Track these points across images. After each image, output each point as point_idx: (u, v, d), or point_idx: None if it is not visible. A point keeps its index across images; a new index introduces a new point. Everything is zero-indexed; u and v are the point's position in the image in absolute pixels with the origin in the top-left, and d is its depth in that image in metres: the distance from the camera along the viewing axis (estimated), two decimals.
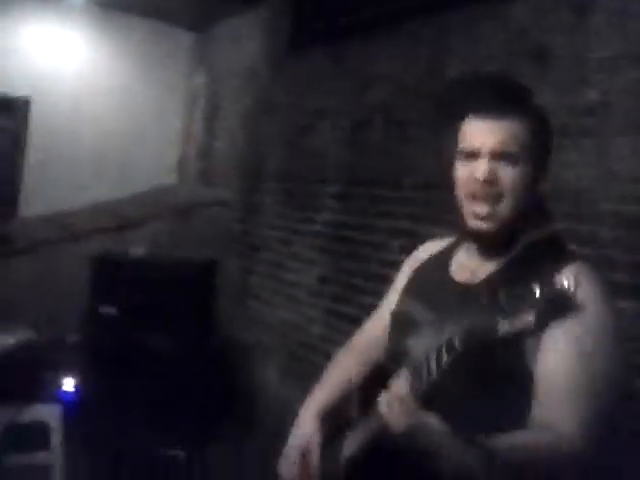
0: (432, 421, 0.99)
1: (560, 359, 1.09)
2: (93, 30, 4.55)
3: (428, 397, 1.06)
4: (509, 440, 1.05)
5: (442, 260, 1.35)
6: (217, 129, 4.60)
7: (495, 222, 1.20)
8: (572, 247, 1.31)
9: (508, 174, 1.18)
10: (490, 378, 1.10)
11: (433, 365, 1.09)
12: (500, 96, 1.22)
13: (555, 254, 1.20)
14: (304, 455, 1.32)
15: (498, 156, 1.18)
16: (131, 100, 4.69)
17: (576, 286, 1.01)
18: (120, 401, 2.66)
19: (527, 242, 1.22)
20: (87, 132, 4.53)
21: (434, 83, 2.66)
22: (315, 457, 1.31)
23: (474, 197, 1.20)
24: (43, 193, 4.38)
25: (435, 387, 1.09)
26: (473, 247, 1.27)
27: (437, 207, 2.47)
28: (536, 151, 1.21)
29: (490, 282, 1.20)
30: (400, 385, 1.08)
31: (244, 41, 4.29)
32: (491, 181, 1.18)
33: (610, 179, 1.90)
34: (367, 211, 2.96)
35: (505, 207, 1.19)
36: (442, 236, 1.44)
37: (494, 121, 1.19)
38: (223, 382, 3.01)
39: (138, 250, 3.07)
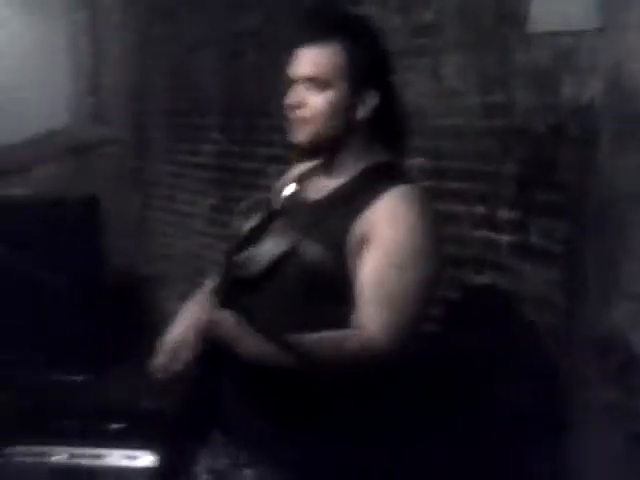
0: (226, 316, 1.16)
1: (371, 270, 1.23)
2: None
3: (237, 297, 1.26)
4: (315, 337, 1.20)
5: (300, 181, 1.46)
6: (103, 66, 4.57)
7: (308, 143, 1.32)
8: (407, 172, 1.43)
9: (316, 99, 1.29)
10: (307, 286, 1.25)
11: (255, 267, 1.29)
12: (313, 26, 1.34)
13: (387, 178, 1.31)
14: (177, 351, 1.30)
15: (308, 82, 1.29)
16: (12, 39, 4.57)
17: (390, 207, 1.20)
18: (18, 335, 2.80)
19: (363, 167, 1.34)
20: None
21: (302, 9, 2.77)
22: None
23: (290, 120, 1.33)
24: None
25: (250, 287, 1.28)
26: (321, 169, 1.39)
27: None
28: (352, 76, 1.29)
29: (324, 200, 1.35)
30: (208, 286, 1.25)
31: None
32: (297, 105, 1.30)
33: (443, 95, 2.12)
34: (246, 140, 3.11)
35: (313, 129, 1.30)
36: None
37: (307, 50, 1.30)
38: (121, 312, 3.18)
39: (19, 191, 3.15)
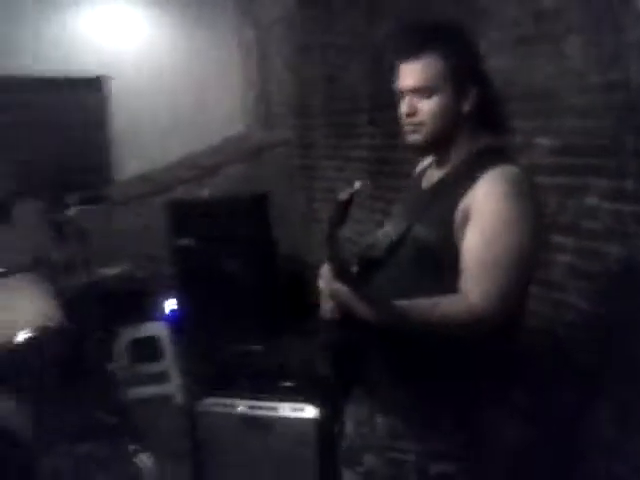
0: (340, 287, 1.41)
1: (471, 243, 1.40)
2: (151, 5, 5.12)
3: (368, 272, 1.51)
4: (424, 301, 1.39)
5: (422, 172, 1.68)
6: (269, 76, 5.09)
7: (424, 143, 1.52)
8: (509, 154, 1.55)
9: (426, 105, 1.48)
10: (421, 261, 1.46)
11: (379, 247, 1.55)
12: (411, 41, 1.53)
13: (488, 161, 1.45)
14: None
15: (415, 92, 1.49)
16: (193, 62, 5.23)
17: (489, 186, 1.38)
18: (209, 314, 3.35)
19: (468, 153, 1.51)
20: (161, 98, 5.13)
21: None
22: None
23: (405, 127, 1.54)
24: (132, 156, 5.06)
25: (373, 264, 1.54)
26: (434, 162, 1.60)
27: None
28: (453, 79, 1.46)
29: (433, 187, 1.56)
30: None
31: None
32: (411, 114, 1.51)
33: (569, 75, 2.23)
34: (394, 132, 3.37)
35: (428, 131, 1.49)
36: None
37: (408, 63, 1.49)
38: (290, 292, 3.62)
39: (204, 192, 3.71)
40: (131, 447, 2.93)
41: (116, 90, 5.08)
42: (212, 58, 5.28)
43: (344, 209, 1.39)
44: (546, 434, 2.21)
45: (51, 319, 2.76)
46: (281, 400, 2.53)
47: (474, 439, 1.49)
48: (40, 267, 3.10)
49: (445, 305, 1.40)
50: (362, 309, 1.40)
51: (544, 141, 2.32)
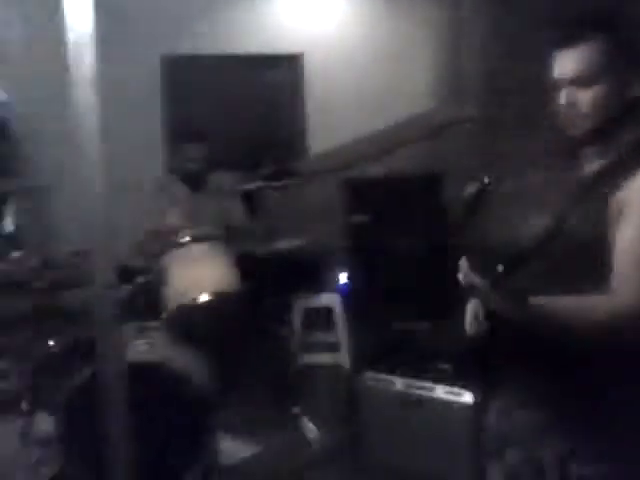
0: (477, 280, 1.35)
1: (626, 239, 1.33)
2: None
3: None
4: (571, 299, 1.33)
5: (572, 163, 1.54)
6: (462, 53, 4.97)
7: (585, 135, 1.42)
8: None
9: (586, 96, 1.39)
10: (571, 254, 1.38)
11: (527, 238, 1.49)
12: (569, 29, 1.44)
13: None
14: None
15: (574, 82, 1.40)
16: (386, 39, 5.26)
17: None
18: (379, 289, 3.42)
19: (627, 145, 1.41)
20: (352, 75, 5.24)
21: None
22: None
23: (565, 117, 1.44)
24: (323, 133, 5.25)
25: (519, 258, 1.48)
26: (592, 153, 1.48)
27: None
28: (613, 69, 1.38)
29: (588, 179, 1.46)
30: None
31: None
32: (571, 104, 1.41)
33: None
34: None
35: (589, 122, 1.41)
36: None
37: (567, 52, 1.41)
38: (452, 274, 3.55)
39: (377, 170, 3.75)
40: (296, 410, 3.12)
41: (310, 67, 5.28)
42: (405, 35, 5.27)
43: (472, 203, 1.36)
44: None
45: (230, 284, 3.01)
46: (438, 382, 2.54)
47: (622, 443, 1.40)
48: (229, 236, 3.37)
49: (589, 303, 1.35)
50: (499, 304, 1.36)
51: None
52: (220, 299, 2.95)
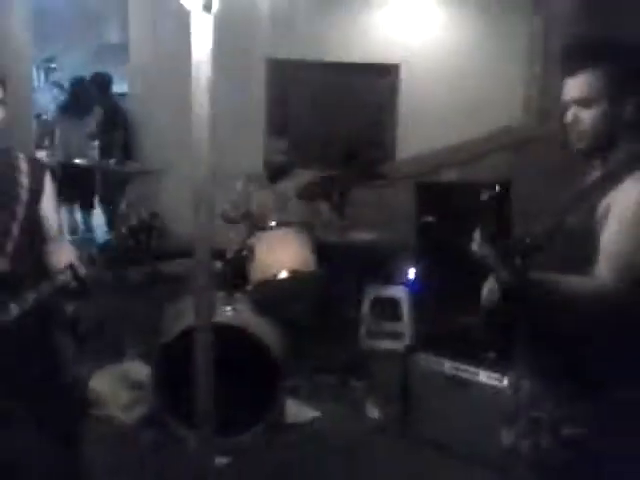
0: (487, 249, 1.63)
1: (608, 232, 1.58)
2: None
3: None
4: (572, 278, 1.59)
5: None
6: (553, 68, 5.11)
7: (586, 149, 1.69)
8: None
9: (586, 115, 1.66)
10: (568, 246, 1.65)
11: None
12: (574, 58, 1.71)
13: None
14: None
15: (577, 103, 1.67)
16: (478, 51, 5.46)
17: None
18: (444, 285, 3.71)
19: (622, 156, 1.65)
20: (445, 86, 5.49)
21: None
22: None
23: (570, 134, 1.72)
24: (414, 138, 5.53)
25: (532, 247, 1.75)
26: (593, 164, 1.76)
27: None
28: (612, 91, 1.63)
29: (587, 186, 1.72)
30: None
31: None
32: (574, 122, 1.69)
33: None
34: None
35: (589, 138, 1.67)
36: None
37: (571, 77, 1.69)
38: None
39: (451, 175, 4.02)
40: (356, 384, 3.46)
41: (406, 77, 5.59)
42: (498, 48, 5.44)
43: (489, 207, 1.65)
44: None
45: (307, 265, 3.41)
46: (483, 367, 2.81)
47: (609, 406, 1.63)
48: (311, 224, 3.77)
49: (578, 281, 1.60)
50: (503, 273, 1.60)
51: None
52: (297, 277, 3.36)
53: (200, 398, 1.57)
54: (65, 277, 1.95)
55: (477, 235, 1.69)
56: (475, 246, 1.68)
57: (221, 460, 2.81)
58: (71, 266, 1.95)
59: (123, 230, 1.96)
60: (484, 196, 1.71)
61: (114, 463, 2.83)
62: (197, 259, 1.52)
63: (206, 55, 1.36)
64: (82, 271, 1.96)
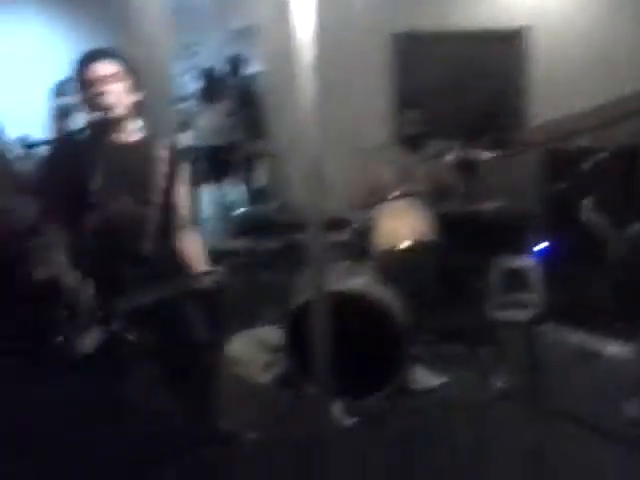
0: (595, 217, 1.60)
1: None
2: None
3: None
4: None
5: None
6: None
7: None
8: None
9: None
10: None
11: None
12: None
13: None
14: None
15: None
16: (606, 14, 5.17)
17: None
18: (574, 255, 3.60)
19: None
20: (575, 49, 5.24)
21: None
22: None
23: None
24: (545, 105, 5.34)
25: None
26: None
27: None
28: None
29: None
30: None
31: None
32: None
33: None
34: None
35: None
36: None
37: None
38: None
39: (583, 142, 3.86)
40: (482, 352, 3.47)
41: (533, 42, 5.39)
42: (634, 5, 5.12)
43: None
44: None
45: (426, 236, 3.46)
46: (610, 338, 2.74)
47: None
48: (436, 194, 3.79)
49: None
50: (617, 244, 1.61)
51: None
52: (417, 247, 3.42)
53: (317, 365, 1.63)
54: (203, 283, 2.12)
55: (588, 203, 1.67)
56: (585, 215, 1.67)
57: (348, 421, 2.95)
58: (207, 272, 2.12)
59: None
60: (611, 163, 1.68)
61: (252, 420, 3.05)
62: (310, 231, 1.55)
63: (309, 36, 1.41)
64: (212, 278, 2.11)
